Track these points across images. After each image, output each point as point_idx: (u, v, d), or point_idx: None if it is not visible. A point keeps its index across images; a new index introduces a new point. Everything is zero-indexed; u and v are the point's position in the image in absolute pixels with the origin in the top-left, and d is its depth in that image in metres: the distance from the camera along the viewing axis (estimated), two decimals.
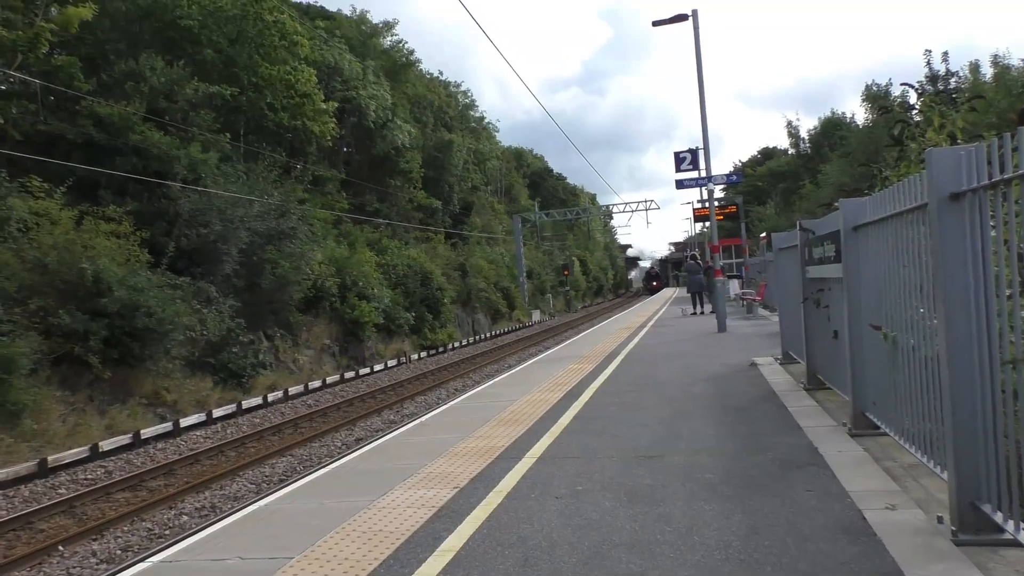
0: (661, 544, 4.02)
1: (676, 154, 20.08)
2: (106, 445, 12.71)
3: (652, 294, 58.97)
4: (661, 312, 27.39)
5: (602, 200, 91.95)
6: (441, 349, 29.28)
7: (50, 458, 11.58)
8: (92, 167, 17.06)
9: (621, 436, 6.80)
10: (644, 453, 6.08)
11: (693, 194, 48.70)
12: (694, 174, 20.08)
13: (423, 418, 9.27)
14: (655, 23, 18.64)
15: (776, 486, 4.88)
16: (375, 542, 4.40)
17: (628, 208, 56.21)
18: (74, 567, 7.93)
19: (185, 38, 23.34)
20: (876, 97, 39.08)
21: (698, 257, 28.62)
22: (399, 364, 25.17)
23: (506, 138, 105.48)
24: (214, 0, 25.02)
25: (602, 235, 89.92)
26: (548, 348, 22.15)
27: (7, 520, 9.15)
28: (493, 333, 36.84)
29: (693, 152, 20.05)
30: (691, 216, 44.89)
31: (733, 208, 35.39)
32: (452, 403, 10.35)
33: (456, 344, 31.02)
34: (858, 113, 58.73)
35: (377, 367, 23.68)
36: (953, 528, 3.71)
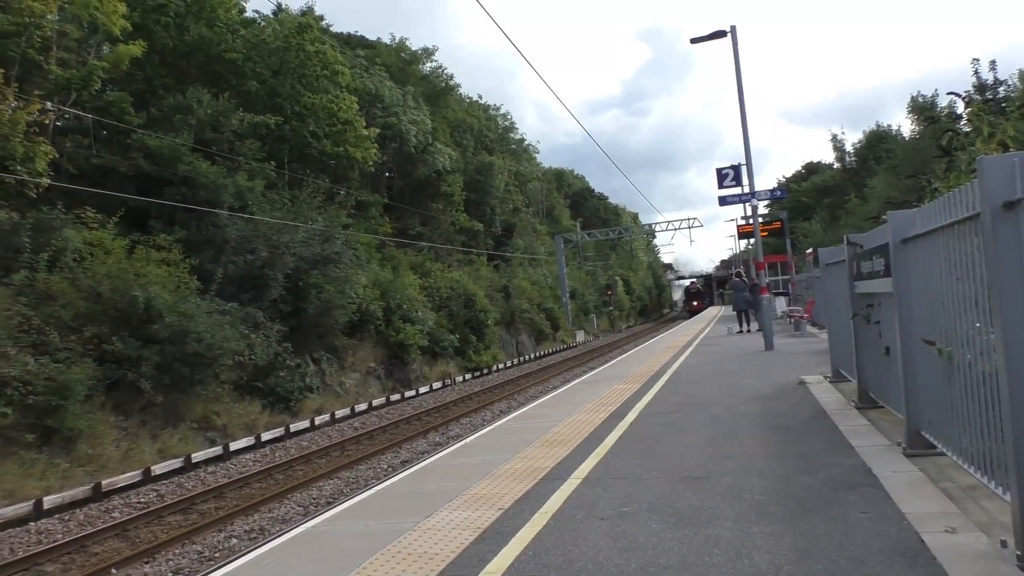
0: (710, 567, 3.94)
1: (718, 170, 19.93)
2: (158, 469, 12.96)
3: (692, 315, 55.02)
4: (707, 331, 27.06)
5: (644, 219, 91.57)
6: (486, 371, 29.30)
7: (104, 482, 11.83)
8: (143, 198, 17.57)
9: (667, 457, 6.69)
10: (691, 474, 5.98)
11: (737, 211, 48.15)
12: (737, 190, 19.90)
13: (468, 439, 9.26)
14: (693, 40, 18.55)
15: (828, 508, 4.75)
16: (420, 564, 4.38)
17: (671, 227, 55.53)
18: None
19: (230, 71, 24.03)
20: (922, 108, 38.36)
21: (743, 274, 28.22)
22: (444, 386, 25.23)
23: (547, 160, 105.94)
24: (257, 33, 25.76)
25: (645, 254, 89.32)
26: (592, 368, 22.01)
27: (63, 543, 9.36)
28: (537, 354, 36.75)
29: (736, 168, 19.87)
30: (735, 233, 44.43)
31: (778, 224, 34.87)
32: (497, 424, 10.32)
33: (500, 365, 31.01)
34: (904, 125, 57.75)
35: (422, 389, 23.78)
36: (1018, 552, 3.56)
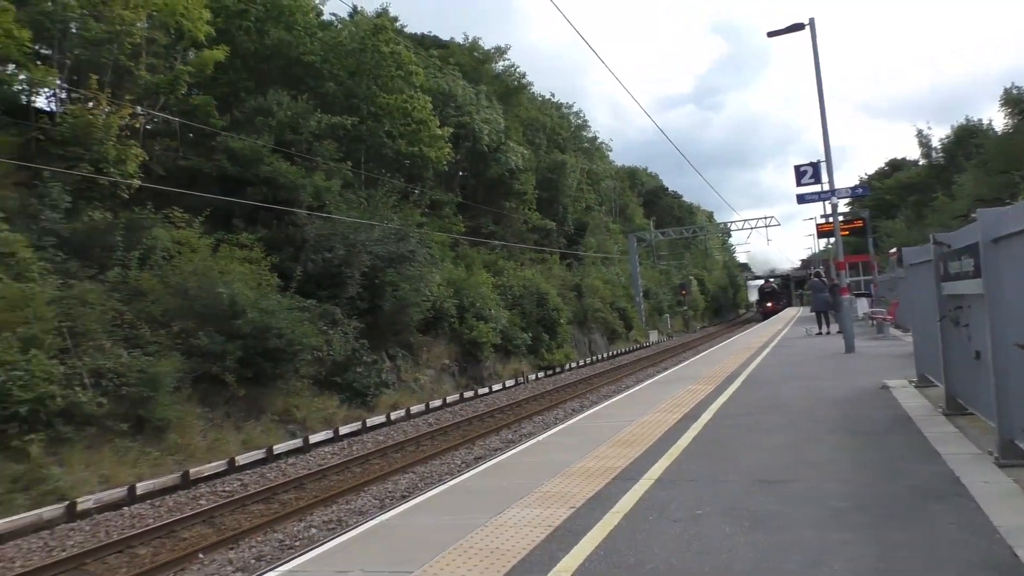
0: (786, 574, 3.86)
1: (796, 167, 19.43)
2: (242, 459, 13.42)
3: (766, 317, 52.40)
4: (784, 332, 26.42)
5: (719, 217, 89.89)
6: (558, 369, 29.28)
7: (192, 471, 12.34)
8: (226, 198, 18.21)
9: (742, 460, 6.58)
10: (766, 477, 5.86)
11: (816, 209, 46.79)
12: (816, 188, 19.32)
13: (540, 437, 9.30)
14: (770, 34, 18.14)
15: (912, 516, 4.59)
16: (491, 560, 4.44)
17: (747, 225, 54.13)
18: (212, 574, 8.40)
19: (308, 73, 24.64)
20: (1017, 100, 36.47)
21: (823, 274, 27.40)
22: (517, 384, 25.34)
23: (619, 157, 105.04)
24: (334, 36, 26.34)
25: (720, 254, 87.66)
26: (666, 368, 21.76)
27: (154, 528, 9.81)
28: (610, 353, 36.52)
29: (814, 165, 19.32)
30: (814, 232, 43.15)
31: (859, 222, 33.68)
32: (569, 423, 10.33)
33: (573, 364, 30.95)
34: (996, 119, 55.06)
35: (495, 387, 23.95)
36: None
